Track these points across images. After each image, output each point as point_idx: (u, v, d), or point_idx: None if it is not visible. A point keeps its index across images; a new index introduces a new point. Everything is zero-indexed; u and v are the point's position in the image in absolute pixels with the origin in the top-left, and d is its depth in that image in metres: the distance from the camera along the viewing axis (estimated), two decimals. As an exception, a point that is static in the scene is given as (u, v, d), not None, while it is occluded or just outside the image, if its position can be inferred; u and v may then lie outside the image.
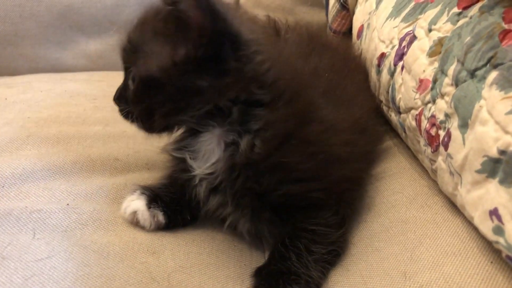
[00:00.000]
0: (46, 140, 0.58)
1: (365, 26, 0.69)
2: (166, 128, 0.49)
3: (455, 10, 0.47)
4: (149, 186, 0.51)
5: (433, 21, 0.49)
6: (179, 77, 0.44)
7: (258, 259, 0.51)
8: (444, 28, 0.47)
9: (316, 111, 0.48)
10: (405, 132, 0.54)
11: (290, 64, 0.49)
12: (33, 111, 0.66)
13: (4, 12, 0.90)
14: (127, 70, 0.50)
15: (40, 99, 0.71)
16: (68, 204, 0.47)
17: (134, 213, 0.48)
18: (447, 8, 0.48)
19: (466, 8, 0.46)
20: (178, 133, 0.51)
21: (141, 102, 0.47)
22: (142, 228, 0.48)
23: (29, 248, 0.40)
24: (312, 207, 0.48)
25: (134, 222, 0.48)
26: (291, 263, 0.44)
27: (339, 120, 0.49)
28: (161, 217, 0.49)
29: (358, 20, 0.73)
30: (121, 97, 0.51)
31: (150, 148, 0.61)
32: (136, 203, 0.48)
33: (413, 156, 0.55)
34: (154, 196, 0.49)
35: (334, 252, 0.47)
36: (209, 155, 0.48)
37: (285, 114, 0.46)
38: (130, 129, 0.64)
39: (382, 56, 0.59)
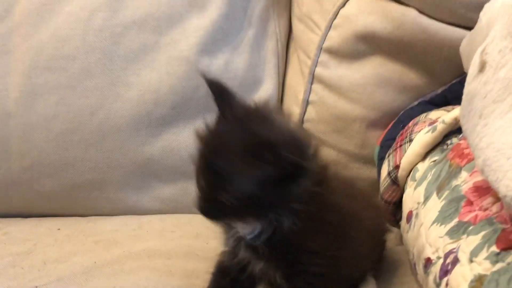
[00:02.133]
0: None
1: (414, 214, 0.76)
2: None
3: (494, 248, 0.53)
4: None
5: (474, 253, 0.55)
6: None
7: None
8: (484, 265, 0.53)
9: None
10: None
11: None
12: (118, 279, 0.77)
13: (95, 164, 1.04)
14: None
15: (123, 261, 0.82)
16: None
17: None
18: (487, 244, 0.55)
19: (504, 249, 0.53)
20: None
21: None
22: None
23: None
24: None
25: None
26: None
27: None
28: None
29: (407, 204, 0.80)
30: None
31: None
32: None
33: None
34: None
35: None
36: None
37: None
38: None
39: (429, 261, 0.65)
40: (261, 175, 0.56)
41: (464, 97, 0.63)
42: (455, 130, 0.81)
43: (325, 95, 1.07)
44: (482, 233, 0.57)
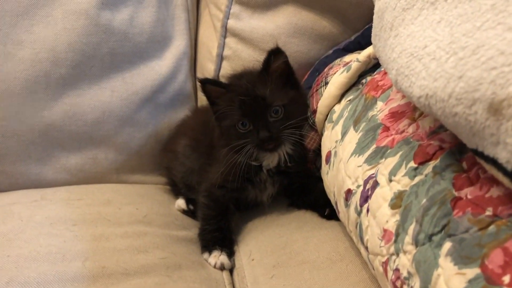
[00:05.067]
0: (26, 287, 0.58)
1: (333, 153, 0.73)
2: None
3: (412, 164, 0.51)
4: (220, 240, 0.79)
5: (393, 172, 0.53)
6: None
7: None
8: (403, 181, 0.51)
9: None
10: (374, 269, 0.57)
11: None
12: (13, 247, 0.68)
13: (-14, 133, 0.92)
14: None
15: (21, 230, 0.73)
16: None
17: (223, 264, 0.76)
18: (405, 161, 0.53)
19: (422, 163, 0.51)
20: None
21: None
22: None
23: None
24: None
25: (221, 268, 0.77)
26: None
27: None
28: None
29: (325, 145, 0.77)
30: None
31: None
32: (223, 259, 0.77)
33: None
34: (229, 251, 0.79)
35: None
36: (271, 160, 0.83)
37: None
38: (110, 264, 0.66)
39: (349, 192, 0.63)
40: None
41: (374, 16, 0.61)
42: (369, 69, 0.79)
43: (239, 49, 1.02)
44: (400, 153, 0.55)
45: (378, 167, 0.57)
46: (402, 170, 0.52)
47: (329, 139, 0.76)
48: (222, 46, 1.03)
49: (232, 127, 0.79)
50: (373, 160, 0.59)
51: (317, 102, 0.83)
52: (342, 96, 0.81)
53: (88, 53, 0.96)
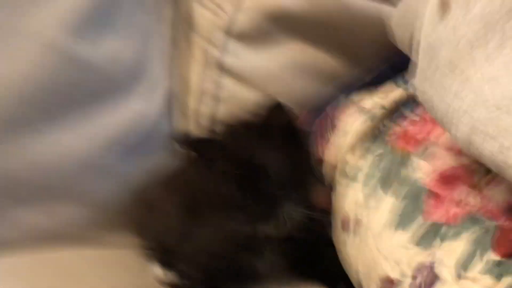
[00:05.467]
0: None
1: (352, 218, 0.59)
2: None
3: (492, 256, 0.37)
4: None
5: (464, 265, 0.39)
6: None
7: None
8: (482, 280, 0.37)
9: None
10: None
11: None
12: None
13: None
14: None
15: None
16: None
17: None
18: (479, 249, 0.39)
19: (508, 256, 0.37)
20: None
21: None
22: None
23: None
24: None
25: None
26: None
27: None
28: None
29: (341, 206, 0.63)
30: None
31: None
32: None
33: None
34: None
35: None
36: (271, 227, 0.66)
37: None
38: None
39: (390, 282, 0.48)
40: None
41: (421, 57, 0.48)
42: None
43: (236, 90, 0.89)
44: (467, 235, 0.41)
45: (435, 253, 0.43)
46: (477, 263, 0.38)
47: (346, 199, 0.62)
48: (217, 86, 0.90)
49: (226, 195, 0.67)
50: (425, 241, 0.45)
51: (324, 150, 0.71)
52: (356, 144, 0.67)
53: (58, 92, 0.79)
